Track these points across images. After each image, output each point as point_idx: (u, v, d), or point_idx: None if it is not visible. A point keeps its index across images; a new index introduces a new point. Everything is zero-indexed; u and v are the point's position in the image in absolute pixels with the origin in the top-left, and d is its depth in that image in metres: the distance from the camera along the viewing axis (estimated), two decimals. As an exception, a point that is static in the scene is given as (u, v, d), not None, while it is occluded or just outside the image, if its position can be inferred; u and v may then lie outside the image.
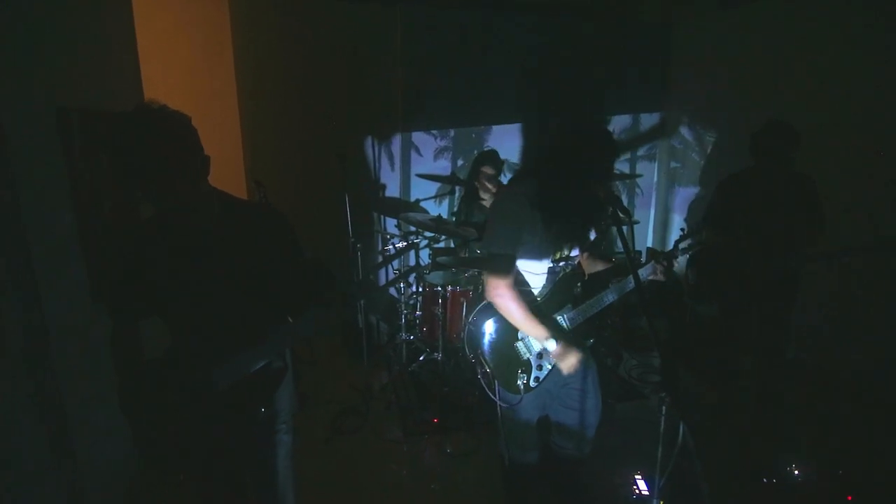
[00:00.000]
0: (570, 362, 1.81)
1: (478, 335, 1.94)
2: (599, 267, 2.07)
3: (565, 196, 1.74)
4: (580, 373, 1.93)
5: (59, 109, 2.03)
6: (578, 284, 1.96)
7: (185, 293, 1.44)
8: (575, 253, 1.93)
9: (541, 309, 1.90)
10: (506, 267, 1.78)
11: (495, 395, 1.92)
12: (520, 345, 1.93)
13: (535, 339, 1.86)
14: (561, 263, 1.91)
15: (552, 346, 1.78)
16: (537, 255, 1.84)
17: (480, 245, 3.07)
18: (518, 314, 1.80)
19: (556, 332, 1.82)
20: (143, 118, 1.26)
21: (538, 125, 4.46)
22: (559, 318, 1.94)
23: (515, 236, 1.78)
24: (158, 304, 1.51)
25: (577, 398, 2.02)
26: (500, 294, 1.79)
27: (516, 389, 1.88)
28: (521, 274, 1.89)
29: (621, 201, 1.67)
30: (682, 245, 1.93)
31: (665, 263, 1.89)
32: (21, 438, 1.77)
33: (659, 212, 5.17)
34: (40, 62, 1.95)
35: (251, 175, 4.65)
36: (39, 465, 1.86)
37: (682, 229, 1.96)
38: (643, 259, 4.16)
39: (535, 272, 1.89)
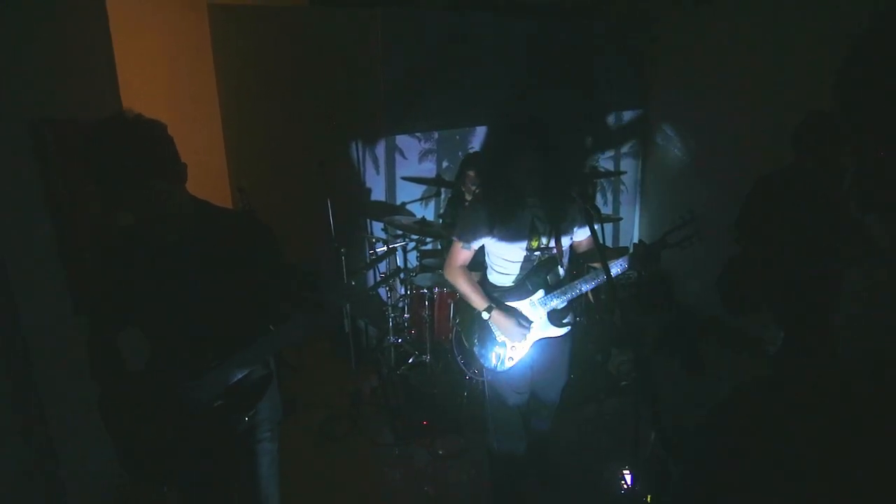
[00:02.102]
0: (507, 331, 2.00)
1: (462, 317, 2.22)
2: (587, 255, 2.17)
3: (504, 188, 1.90)
4: (557, 359, 2.15)
5: (32, 120, 2.00)
6: (559, 268, 2.05)
7: (164, 303, 1.43)
8: (553, 244, 2.00)
9: (511, 290, 2.08)
10: (455, 252, 2.07)
11: (478, 372, 2.14)
12: (492, 325, 2.07)
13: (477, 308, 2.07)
14: (537, 253, 2.01)
15: (486, 315, 2.01)
16: (509, 243, 1.98)
17: None
18: (462, 288, 2.08)
19: (491, 305, 2.02)
20: (119, 126, 1.25)
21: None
22: (530, 301, 2.05)
23: (470, 228, 2.01)
24: (138, 315, 1.49)
25: (549, 378, 2.20)
26: (449, 272, 2.11)
27: (491, 366, 2.09)
28: (497, 259, 2.07)
29: (592, 199, 1.72)
30: (672, 238, 1.93)
31: (644, 253, 1.92)
32: (3, 451, 1.74)
33: (644, 208, 5.21)
34: (11, 73, 1.92)
35: (234, 181, 4.61)
36: (23, 477, 1.84)
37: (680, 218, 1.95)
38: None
39: (511, 259, 2.04)
